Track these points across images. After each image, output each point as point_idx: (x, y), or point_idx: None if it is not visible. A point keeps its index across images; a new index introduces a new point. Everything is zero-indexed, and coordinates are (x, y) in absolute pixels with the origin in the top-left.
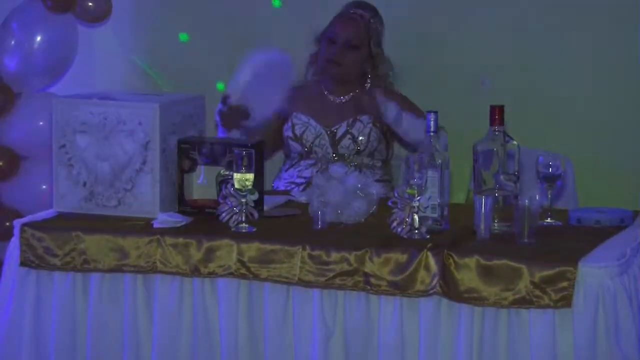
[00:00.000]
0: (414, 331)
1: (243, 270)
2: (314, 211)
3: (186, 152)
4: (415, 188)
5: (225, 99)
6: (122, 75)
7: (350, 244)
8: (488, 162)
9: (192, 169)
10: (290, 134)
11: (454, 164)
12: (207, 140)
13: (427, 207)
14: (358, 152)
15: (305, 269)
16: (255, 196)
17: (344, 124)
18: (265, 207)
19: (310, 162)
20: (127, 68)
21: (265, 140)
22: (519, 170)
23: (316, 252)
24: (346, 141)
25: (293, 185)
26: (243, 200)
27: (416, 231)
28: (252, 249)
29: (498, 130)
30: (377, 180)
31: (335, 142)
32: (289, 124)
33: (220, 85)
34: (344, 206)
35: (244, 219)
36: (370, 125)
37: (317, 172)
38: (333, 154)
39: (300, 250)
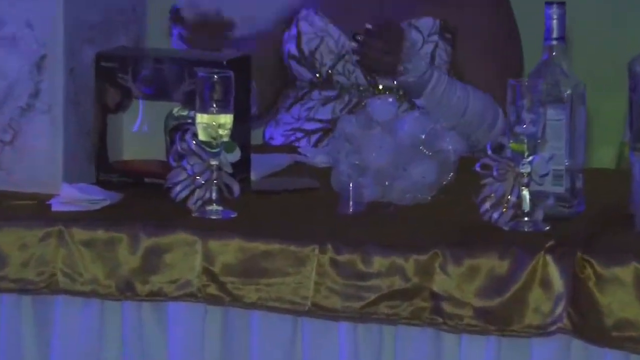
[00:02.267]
0: None
1: (213, 289)
2: (340, 183)
3: (112, 76)
4: (525, 141)
5: (176, 15)
6: None
7: (407, 243)
8: None
9: (122, 105)
10: (293, 49)
11: (592, 99)
12: (149, 55)
13: (547, 174)
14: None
15: (325, 287)
16: (236, 155)
17: None
18: (253, 176)
19: (329, 93)
20: None
21: (260, 67)
22: None
23: (345, 257)
24: None
25: (300, 135)
26: (214, 162)
27: (526, 219)
28: (229, 250)
29: None
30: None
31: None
32: (292, 31)
33: None
34: (395, 174)
35: (215, 196)
36: (437, 35)
37: (343, 111)
38: (370, 83)
39: (317, 252)
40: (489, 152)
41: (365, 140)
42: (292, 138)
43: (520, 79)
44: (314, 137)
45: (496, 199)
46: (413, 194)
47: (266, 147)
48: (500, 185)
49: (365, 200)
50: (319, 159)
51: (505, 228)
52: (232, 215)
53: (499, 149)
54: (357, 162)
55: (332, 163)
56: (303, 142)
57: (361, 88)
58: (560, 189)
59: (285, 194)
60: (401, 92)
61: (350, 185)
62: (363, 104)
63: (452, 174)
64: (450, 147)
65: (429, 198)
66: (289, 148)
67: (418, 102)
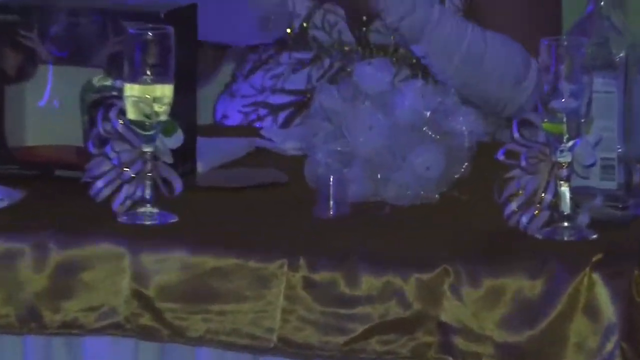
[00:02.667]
0: None
1: (146, 319)
2: (317, 176)
3: (10, 33)
4: (564, 119)
5: None
6: None
7: (407, 256)
8: None
9: (24, 72)
10: None
11: None
12: (60, 5)
13: (593, 165)
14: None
15: (297, 317)
16: (178, 140)
17: None
18: (201, 167)
19: (302, 56)
20: None
21: None
22: None
23: (323, 275)
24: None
25: (263, 112)
26: (148, 149)
27: (566, 224)
28: (167, 267)
29: None
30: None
31: (362, 20)
32: None
33: None
34: (390, 164)
35: (149, 194)
36: None
37: (322, 79)
38: (359, 39)
39: (286, 270)
40: (516, 134)
41: (351, 119)
42: (253, 116)
43: (558, 37)
44: (281, 115)
45: (525, 197)
46: (414, 191)
47: (218, 129)
48: (530, 179)
49: (350, 200)
50: (289, 145)
51: (538, 236)
52: (172, 220)
53: (526, 132)
54: (339, 149)
55: (307, 149)
56: (267, 122)
57: (346, 48)
58: (611, 185)
59: (244, 192)
60: (399, 51)
61: (331, 179)
62: (348, 70)
63: (466, 164)
64: (463, 128)
65: (436, 197)
66: (249, 130)
67: (417, 49)
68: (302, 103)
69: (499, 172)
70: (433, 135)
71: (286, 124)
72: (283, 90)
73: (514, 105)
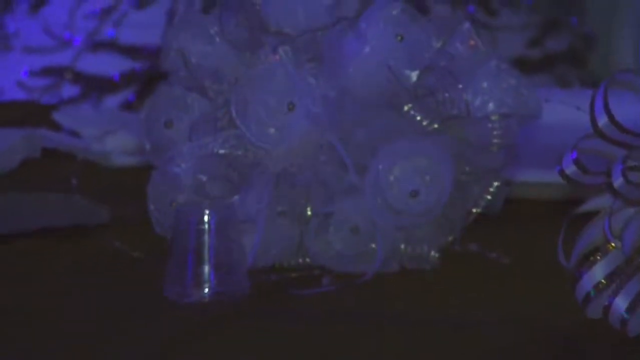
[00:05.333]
0: None
1: None
2: (176, 215)
3: None
4: None
5: None
6: None
7: None
8: None
9: None
10: None
11: None
12: None
13: None
14: None
15: None
16: None
17: None
18: None
19: None
20: None
21: None
22: None
23: None
24: None
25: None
26: None
27: None
28: None
29: None
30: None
31: None
32: None
33: None
34: (333, 185)
35: None
36: None
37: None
38: None
39: None
40: (602, 118)
41: (252, 90)
42: (40, 83)
43: None
44: (110, 95)
45: (625, 254)
46: (386, 242)
47: None
48: (636, 217)
49: (243, 266)
50: (114, 144)
51: None
52: None
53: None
54: (222, 151)
55: (152, 155)
56: (67, 91)
57: None
58: None
59: (15, 243)
60: None
61: (205, 217)
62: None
63: (497, 184)
64: (490, 104)
65: (434, 256)
66: (31, 111)
67: None
68: (150, 70)
69: (565, 205)
70: (423, 122)
71: (127, 106)
72: (114, 45)
73: None
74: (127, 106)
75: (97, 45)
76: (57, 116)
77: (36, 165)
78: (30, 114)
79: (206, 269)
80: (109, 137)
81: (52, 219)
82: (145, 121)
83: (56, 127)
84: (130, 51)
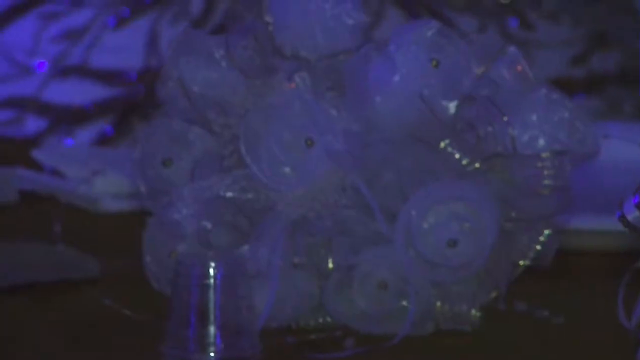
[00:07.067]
0: None
1: None
2: (176, 268)
3: None
4: None
5: None
6: None
7: None
8: None
9: None
10: None
11: None
12: None
13: None
14: None
15: None
16: None
17: None
18: None
19: None
20: None
21: None
22: None
23: None
24: None
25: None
26: None
27: None
28: None
29: None
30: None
31: None
32: None
33: None
34: (361, 232)
35: None
36: None
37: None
38: None
39: None
40: None
41: (264, 121)
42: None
43: None
44: (88, 125)
45: None
46: (422, 300)
47: None
48: None
49: (254, 327)
50: (102, 186)
51: None
52: None
53: None
54: (230, 195)
55: (148, 199)
56: (32, 124)
57: None
58: None
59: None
60: None
61: (211, 271)
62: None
63: (547, 233)
64: (541, 140)
65: (474, 315)
66: (3, 147)
67: None
68: (128, 97)
69: (626, 257)
70: (462, 161)
71: (104, 140)
72: (85, 70)
73: None
74: (104, 141)
75: (66, 70)
76: (37, 154)
77: (13, 210)
78: (1, 150)
79: (211, 330)
80: (97, 178)
81: (33, 274)
82: (140, 160)
83: (35, 166)
84: (105, 77)
